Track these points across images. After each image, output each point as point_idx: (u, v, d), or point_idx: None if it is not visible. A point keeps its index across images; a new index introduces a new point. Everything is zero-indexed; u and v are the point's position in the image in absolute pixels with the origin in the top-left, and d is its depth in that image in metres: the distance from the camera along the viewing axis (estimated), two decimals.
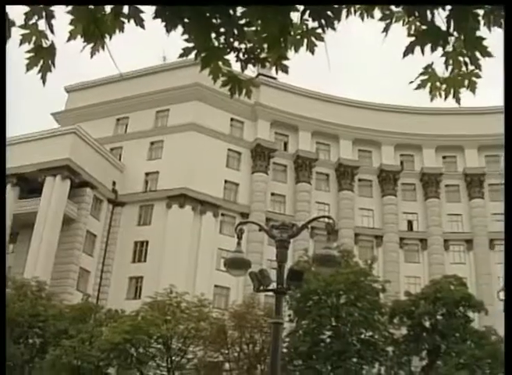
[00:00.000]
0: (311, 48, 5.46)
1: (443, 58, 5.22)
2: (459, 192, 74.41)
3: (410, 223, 73.32)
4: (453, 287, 48.53)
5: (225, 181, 66.83)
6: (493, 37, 5.26)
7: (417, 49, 5.03)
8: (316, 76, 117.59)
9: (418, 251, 71.81)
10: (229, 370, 45.60)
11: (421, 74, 5.43)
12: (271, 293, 12.70)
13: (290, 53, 5.45)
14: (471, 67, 5.28)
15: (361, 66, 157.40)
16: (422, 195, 73.77)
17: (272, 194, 69.25)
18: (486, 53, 5.07)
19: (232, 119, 69.97)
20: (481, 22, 4.98)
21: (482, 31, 5.09)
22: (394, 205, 72.08)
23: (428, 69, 5.41)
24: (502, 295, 57.39)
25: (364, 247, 69.39)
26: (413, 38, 5.06)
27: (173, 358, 44.16)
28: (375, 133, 73.73)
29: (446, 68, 5.27)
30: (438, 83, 5.44)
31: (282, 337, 39.42)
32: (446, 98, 5.49)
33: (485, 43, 5.05)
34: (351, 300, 44.87)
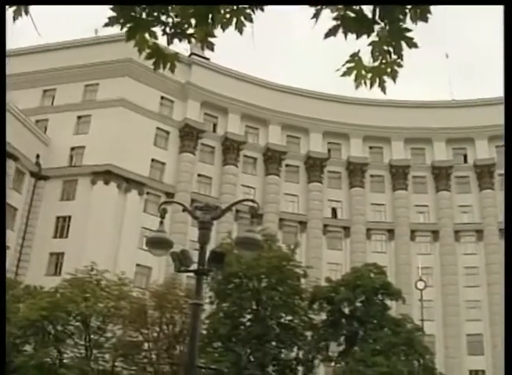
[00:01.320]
0: (240, 28, 5.38)
1: (368, 48, 5.23)
2: (384, 182, 75.75)
3: (334, 210, 74.20)
4: (373, 275, 49.29)
5: (152, 160, 66.14)
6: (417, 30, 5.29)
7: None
8: (256, 63, 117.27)
9: (341, 239, 72.82)
10: (148, 350, 45.36)
11: (348, 62, 5.42)
12: (193, 274, 12.67)
13: (224, 34, 5.36)
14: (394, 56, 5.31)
15: (305, 54, 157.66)
16: (347, 184, 74.76)
17: (199, 175, 68.91)
18: (412, 44, 5.14)
19: (162, 98, 69.16)
20: (408, 14, 5.01)
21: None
22: (319, 191, 72.79)
23: (355, 58, 5.41)
24: (419, 285, 58.84)
25: (288, 232, 69.91)
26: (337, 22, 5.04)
27: (92, 336, 43.72)
28: (303, 119, 74.22)
29: (373, 57, 5.29)
30: (363, 72, 5.45)
31: (202, 319, 39.80)
32: (371, 86, 5.50)
33: (410, 34, 5.10)
34: (272, 284, 45.14)
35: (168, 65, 5.68)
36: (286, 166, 73.77)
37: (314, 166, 73.71)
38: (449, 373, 58.60)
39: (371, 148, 76.80)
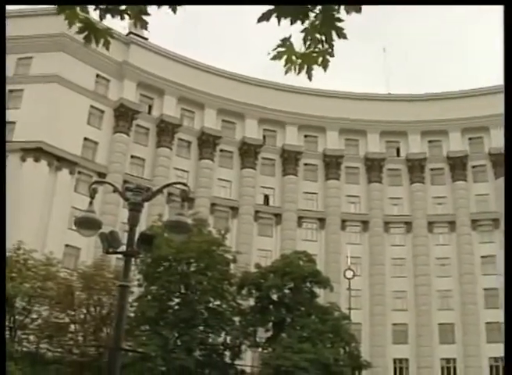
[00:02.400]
0: (174, 9, 5.25)
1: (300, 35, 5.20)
2: (317, 172, 76.36)
3: (266, 197, 74.47)
4: (302, 263, 49.77)
5: (85, 139, 64.98)
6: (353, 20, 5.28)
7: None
8: (198, 48, 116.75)
9: (272, 226, 73.17)
10: (75, 332, 44.82)
11: (279, 46, 5.41)
12: (122, 256, 12.56)
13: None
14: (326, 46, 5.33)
15: (250, 40, 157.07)
16: (281, 171, 75.07)
17: (132, 156, 68.11)
18: (342, 34, 5.16)
19: (97, 76, 67.88)
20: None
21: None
22: (252, 178, 72.94)
23: (286, 42, 5.39)
24: (348, 274, 59.72)
25: (220, 217, 69.92)
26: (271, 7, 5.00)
27: (16, 317, 42.98)
28: (240, 105, 74.17)
29: (304, 44, 5.30)
30: (294, 58, 5.44)
31: (131, 302, 39.54)
32: (299, 72, 5.51)
33: (341, 24, 5.12)
34: (201, 268, 45.19)
35: (102, 41, 5.53)
36: (221, 150, 73.61)
37: (249, 152, 73.77)
38: (374, 360, 59.68)
39: (306, 136, 77.28)
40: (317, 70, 5.66)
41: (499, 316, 68.53)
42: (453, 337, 69.91)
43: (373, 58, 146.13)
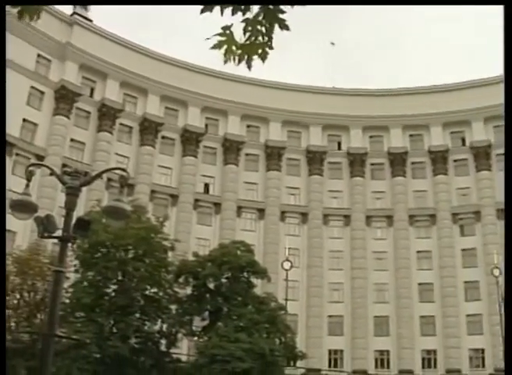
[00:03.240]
0: None
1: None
2: (258, 162, 76.44)
3: (206, 186, 74.21)
4: (240, 253, 49.77)
5: (24, 120, 63.59)
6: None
7: None
8: (146, 34, 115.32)
9: (211, 215, 72.98)
10: (7, 318, 43.89)
11: (219, 35, 5.39)
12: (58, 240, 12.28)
13: None
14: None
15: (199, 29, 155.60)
16: (222, 161, 74.87)
17: (72, 140, 66.91)
18: (284, 26, 5.17)
19: (39, 56, 66.38)
20: None
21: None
22: (193, 166, 72.60)
23: (226, 31, 5.36)
24: (285, 265, 60.11)
25: (159, 204, 69.46)
26: None
27: None
28: (183, 92, 73.73)
29: (244, 34, 5.29)
30: (234, 48, 5.42)
31: (66, 288, 38.94)
32: (239, 62, 5.55)
33: (283, 16, 5.13)
34: (139, 255, 44.82)
35: (35, 17, 5.29)
36: (163, 137, 73.02)
37: (190, 140, 73.37)
38: (310, 351, 60.21)
39: (248, 126, 77.27)
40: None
41: (433, 309, 70.22)
42: (388, 329, 70.99)
43: (321, 53, 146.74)
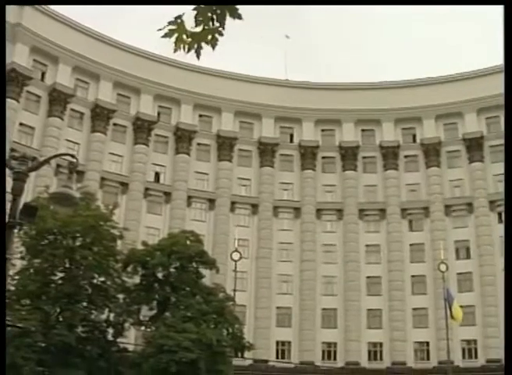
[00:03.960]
0: None
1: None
2: (210, 152, 76.15)
3: (157, 174, 73.69)
4: (189, 243, 49.61)
5: None
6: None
7: None
8: (104, 19, 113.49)
9: (162, 204, 72.52)
10: None
11: (170, 24, 5.37)
12: None
13: None
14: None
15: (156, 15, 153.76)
16: (174, 150, 74.38)
17: (21, 124, 65.47)
18: (235, 14, 5.15)
19: None
20: None
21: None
22: (144, 154, 72.01)
23: (178, 20, 5.34)
24: (235, 256, 60.02)
25: (109, 192, 68.71)
26: None
27: None
28: (135, 79, 73.12)
29: (196, 22, 5.27)
30: (184, 36, 5.42)
31: (12, 275, 38.19)
32: (188, 51, 5.58)
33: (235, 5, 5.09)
34: (87, 243, 44.32)
35: None
36: (114, 125, 72.14)
37: (142, 128, 72.70)
38: (258, 342, 60.39)
39: (201, 116, 76.90)
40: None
41: (380, 303, 71.06)
42: (336, 322, 71.57)
43: (276, 45, 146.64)
